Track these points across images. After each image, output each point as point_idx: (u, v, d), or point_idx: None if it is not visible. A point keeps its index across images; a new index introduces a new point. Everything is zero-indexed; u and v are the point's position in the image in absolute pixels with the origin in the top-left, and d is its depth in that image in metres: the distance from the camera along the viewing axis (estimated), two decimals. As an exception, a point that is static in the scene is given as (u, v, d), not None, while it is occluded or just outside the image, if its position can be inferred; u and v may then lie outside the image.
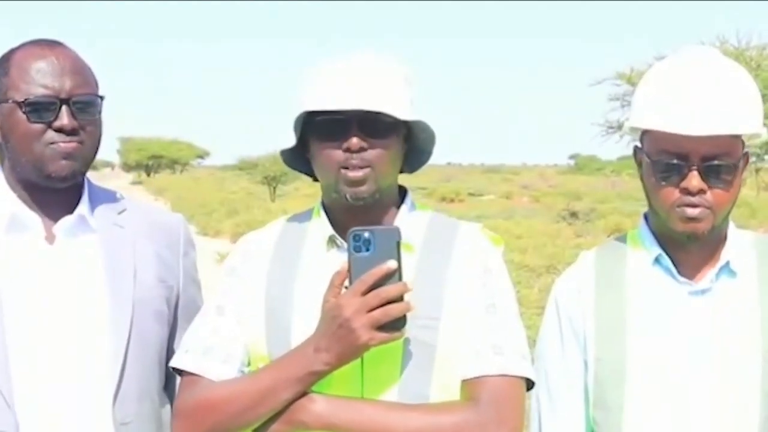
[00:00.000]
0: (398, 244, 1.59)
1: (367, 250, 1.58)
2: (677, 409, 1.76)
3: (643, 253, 1.86)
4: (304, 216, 1.83)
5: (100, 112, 1.88)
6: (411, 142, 1.77)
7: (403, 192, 1.81)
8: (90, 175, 1.97)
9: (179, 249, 2.01)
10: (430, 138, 1.77)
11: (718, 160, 1.72)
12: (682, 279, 1.82)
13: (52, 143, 1.80)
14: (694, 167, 1.72)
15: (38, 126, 1.80)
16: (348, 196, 1.68)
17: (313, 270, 1.72)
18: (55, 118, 1.80)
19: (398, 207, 1.78)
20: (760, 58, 16.15)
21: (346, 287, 1.60)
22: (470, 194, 38.06)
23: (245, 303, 1.74)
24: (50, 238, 1.87)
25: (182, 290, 2.00)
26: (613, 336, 1.82)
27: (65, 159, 1.81)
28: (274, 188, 33.62)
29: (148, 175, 56.69)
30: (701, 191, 1.72)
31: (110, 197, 1.98)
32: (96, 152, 1.89)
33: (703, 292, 1.80)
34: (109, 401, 1.82)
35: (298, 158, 1.78)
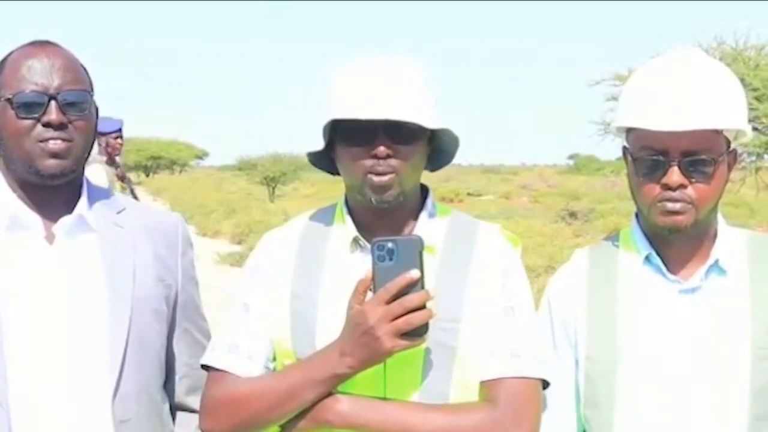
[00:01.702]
0: (420, 253, 1.62)
1: (391, 259, 1.62)
2: (668, 407, 1.77)
3: (633, 252, 1.87)
4: (327, 214, 1.85)
5: (91, 109, 1.89)
6: (434, 143, 1.79)
7: (425, 191, 1.83)
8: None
9: (178, 248, 2.02)
10: (453, 141, 1.80)
11: (698, 155, 1.74)
12: (672, 277, 1.83)
13: (41, 140, 1.81)
14: (674, 163, 1.74)
15: (27, 122, 1.82)
16: (373, 199, 1.71)
17: (338, 270, 1.75)
18: (43, 114, 1.81)
19: (421, 206, 1.81)
20: (759, 58, 16.13)
21: (371, 290, 1.63)
22: (469, 194, 38.06)
23: (270, 301, 1.78)
24: (50, 237, 1.87)
25: (181, 289, 2.00)
26: (603, 334, 1.83)
27: (54, 158, 1.82)
28: (273, 189, 33.62)
29: (147, 175, 56.62)
30: (681, 186, 1.75)
31: (109, 197, 1.99)
32: (89, 149, 1.90)
33: (693, 290, 1.81)
34: (108, 399, 1.82)
35: (322, 156, 1.80)
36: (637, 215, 1.91)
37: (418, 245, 1.63)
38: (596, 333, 1.84)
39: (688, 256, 1.83)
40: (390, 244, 1.62)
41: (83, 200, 1.92)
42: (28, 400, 1.79)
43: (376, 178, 1.69)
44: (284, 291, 1.77)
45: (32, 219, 1.88)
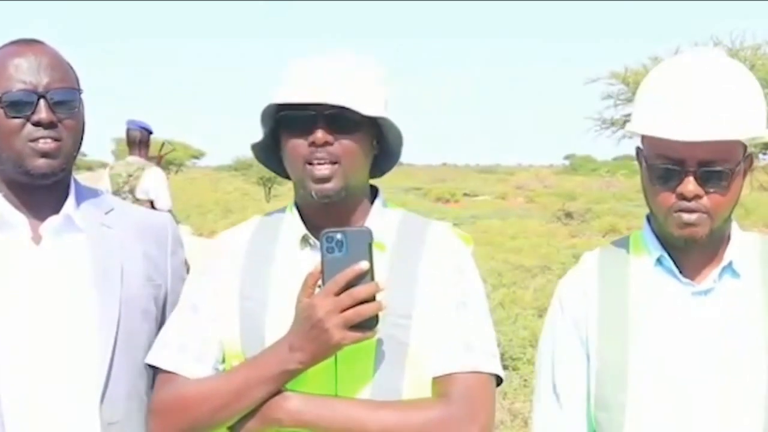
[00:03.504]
0: (370, 245, 1.62)
1: (340, 251, 1.61)
2: (679, 409, 1.75)
3: (645, 255, 1.85)
4: (278, 214, 1.85)
5: (80, 108, 1.88)
6: (382, 144, 1.78)
7: (374, 192, 1.83)
8: (85, 175, 1.96)
9: (167, 248, 2.01)
10: (398, 138, 1.79)
11: (715, 166, 1.70)
12: (684, 280, 1.81)
13: (31, 140, 1.80)
14: (690, 172, 1.70)
15: (17, 121, 1.80)
16: (314, 193, 1.70)
17: (287, 269, 1.74)
18: (33, 113, 1.79)
19: (370, 206, 1.80)
20: (755, 58, 16.14)
21: (320, 286, 1.62)
22: (465, 195, 38.10)
23: (219, 301, 1.76)
24: (36, 238, 1.86)
25: (170, 289, 1.99)
26: (615, 336, 1.81)
27: (44, 157, 1.81)
28: (269, 189, 33.61)
29: (143, 175, 56.43)
30: (697, 196, 1.71)
31: (97, 197, 1.98)
32: (78, 147, 1.89)
33: (706, 292, 1.79)
34: (96, 401, 1.81)
35: (274, 158, 1.80)
36: (648, 218, 1.88)
37: (367, 237, 1.62)
38: (607, 334, 1.82)
39: (701, 258, 1.81)
40: (339, 236, 1.61)
41: (70, 200, 1.90)
42: (18, 402, 1.77)
43: (316, 170, 1.68)
44: (233, 291, 1.75)
45: (19, 219, 1.86)
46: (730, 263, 1.80)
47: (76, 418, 1.80)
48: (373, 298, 1.60)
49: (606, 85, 16.48)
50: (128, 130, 7.66)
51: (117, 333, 1.84)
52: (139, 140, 7.64)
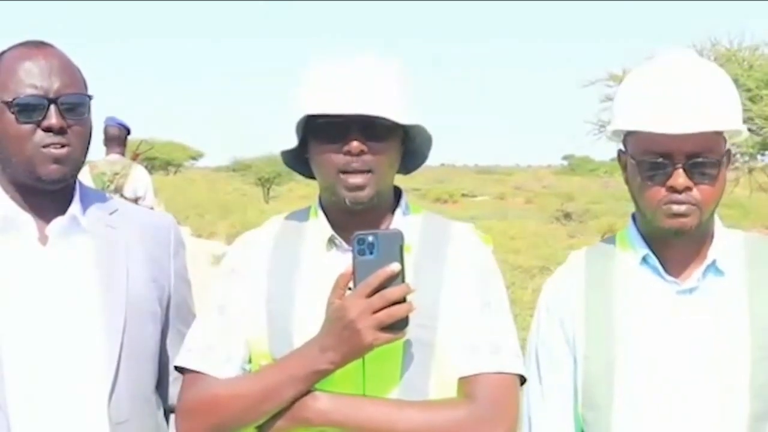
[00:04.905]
0: (401, 247, 1.62)
1: (371, 253, 1.61)
2: (666, 407, 1.76)
3: (630, 253, 1.87)
4: (301, 215, 1.85)
5: (89, 113, 1.88)
6: (408, 144, 1.79)
7: (398, 192, 1.83)
8: (85, 176, 1.97)
9: (170, 249, 2.01)
10: (426, 141, 1.79)
11: (702, 157, 1.74)
12: (669, 278, 1.82)
13: (43, 146, 1.80)
14: (679, 165, 1.74)
15: (27, 126, 1.80)
16: (347, 200, 1.70)
17: (314, 270, 1.74)
18: (44, 118, 1.79)
19: (394, 207, 1.80)
20: (753, 59, 16.12)
21: (350, 288, 1.63)
22: (464, 195, 38.19)
23: (246, 302, 1.76)
24: (43, 239, 1.87)
25: (173, 290, 2.00)
26: (601, 335, 1.82)
27: (55, 163, 1.81)
28: (268, 189, 33.63)
29: (141, 176, 56.29)
30: (687, 188, 1.74)
31: (101, 198, 1.99)
32: (86, 153, 1.89)
33: (691, 291, 1.81)
34: (104, 401, 1.81)
35: (297, 158, 1.80)
36: (633, 217, 1.90)
37: (399, 239, 1.62)
38: (594, 333, 1.83)
39: (686, 257, 1.83)
40: (371, 238, 1.61)
41: (76, 202, 1.91)
42: (25, 403, 1.78)
43: (350, 178, 1.68)
44: (260, 292, 1.76)
45: (25, 220, 1.87)
46: (713, 262, 1.82)
47: (84, 418, 1.80)
48: (404, 300, 1.61)
49: (604, 87, 16.46)
50: (107, 127, 7.47)
51: (123, 333, 1.84)
52: (117, 137, 7.45)
